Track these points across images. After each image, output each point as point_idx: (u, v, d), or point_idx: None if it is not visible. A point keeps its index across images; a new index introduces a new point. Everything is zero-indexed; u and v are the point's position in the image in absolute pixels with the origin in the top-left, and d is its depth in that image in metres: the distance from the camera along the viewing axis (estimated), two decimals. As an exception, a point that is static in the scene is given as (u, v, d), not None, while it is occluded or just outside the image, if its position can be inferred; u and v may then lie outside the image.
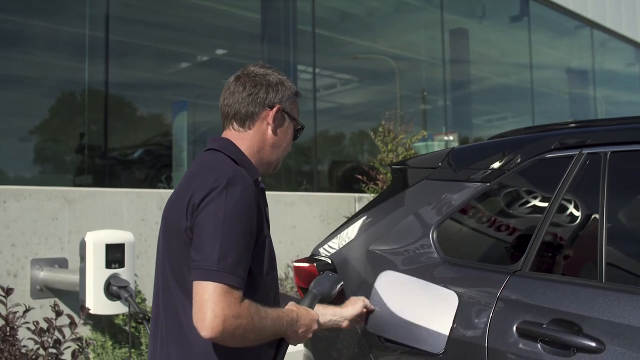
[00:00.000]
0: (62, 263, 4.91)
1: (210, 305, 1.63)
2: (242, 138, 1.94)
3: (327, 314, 2.18)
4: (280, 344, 1.89)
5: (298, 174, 9.15)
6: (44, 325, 3.81)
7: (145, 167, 7.66)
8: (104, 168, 6.81)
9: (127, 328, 4.61)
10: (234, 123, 1.95)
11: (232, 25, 8.92)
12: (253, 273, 1.79)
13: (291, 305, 1.93)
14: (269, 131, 1.95)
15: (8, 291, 3.66)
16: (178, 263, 1.80)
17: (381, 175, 7.24)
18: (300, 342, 1.93)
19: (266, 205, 1.98)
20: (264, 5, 9.26)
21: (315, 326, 1.95)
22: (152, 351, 1.91)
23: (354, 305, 2.27)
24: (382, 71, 11.05)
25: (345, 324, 2.24)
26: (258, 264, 1.81)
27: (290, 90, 1.99)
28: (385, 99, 10.65)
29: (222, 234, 1.68)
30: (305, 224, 6.95)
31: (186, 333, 1.77)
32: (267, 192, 2.03)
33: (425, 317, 2.20)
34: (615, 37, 15.68)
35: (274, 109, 1.94)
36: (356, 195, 7.59)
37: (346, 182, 9.03)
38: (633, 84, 17.60)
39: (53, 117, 7.05)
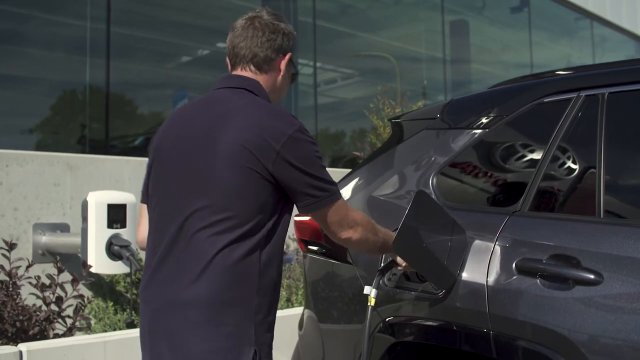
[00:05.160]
0: (63, 228, 4.93)
1: (345, 220, 1.93)
2: (260, 80, 2.01)
3: None
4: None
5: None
6: (47, 282, 3.84)
7: (145, 156, 7.71)
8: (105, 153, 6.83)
9: (128, 295, 4.64)
10: (251, 65, 2.01)
11: (233, 18, 8.93)
12: None
13: None
14: (279, 77, 2.05)
15: (12, 246, 3.70)
16: (222, 186, 1.81)
17: None
18: None
19: None
20: (265, -3, 9.31)
21: None
22: (152, 272, 1.90)
23: None
24: (383, 67, 11.05)
25: None
26: None
27: (295, 39, 2.11)
28: (386, 94, 10.67)
29: (317, 167, 1.88)
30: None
31: (207, 252, 1.79)
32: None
33: (444, 253, 2.21)
34: (615, 30, 15.70)
35: (287, 56, 2.05)
36: (357, 170, 7.59)
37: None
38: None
39: (57, 101, 7.09)
